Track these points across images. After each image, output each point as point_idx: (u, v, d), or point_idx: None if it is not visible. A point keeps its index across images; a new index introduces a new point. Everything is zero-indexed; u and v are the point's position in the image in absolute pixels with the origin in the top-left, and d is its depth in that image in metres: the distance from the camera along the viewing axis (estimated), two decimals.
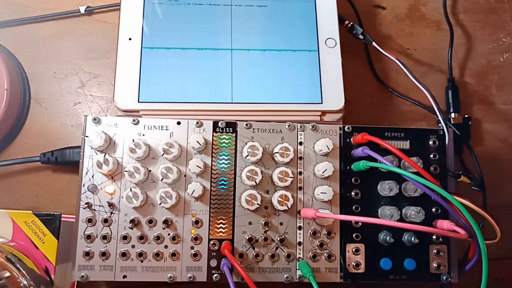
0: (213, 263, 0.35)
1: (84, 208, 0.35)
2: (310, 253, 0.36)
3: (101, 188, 0.35)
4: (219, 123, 0.37)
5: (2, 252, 0.35)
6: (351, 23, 0.44)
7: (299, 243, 0.36)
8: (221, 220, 0.36)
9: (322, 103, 0.40)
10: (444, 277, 0.37)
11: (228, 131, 0.37)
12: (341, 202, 0.37)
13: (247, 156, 0.36)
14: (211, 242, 0.36)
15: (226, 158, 0.37)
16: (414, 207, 0.37)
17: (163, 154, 0.35)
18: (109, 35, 0.44)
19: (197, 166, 0.35)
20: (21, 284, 0.35)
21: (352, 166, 0.37)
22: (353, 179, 0.37)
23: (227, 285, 0.32)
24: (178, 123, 0.37)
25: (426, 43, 0.48)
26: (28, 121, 0.42)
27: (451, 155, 0.39)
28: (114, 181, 0.35)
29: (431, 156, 0.38)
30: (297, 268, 0.36)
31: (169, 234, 0.35)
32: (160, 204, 0.35)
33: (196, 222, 0.36)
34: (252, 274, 0.36)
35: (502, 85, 0.48)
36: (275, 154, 0.36)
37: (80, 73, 0.44)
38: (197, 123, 0.37)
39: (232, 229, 0.36)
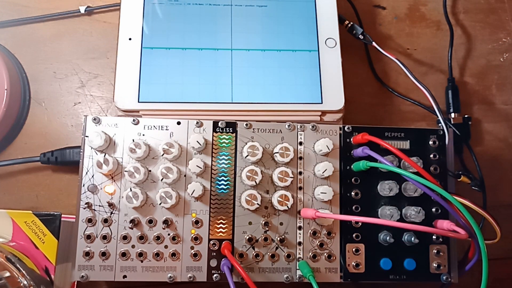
0: (213, 263, 0.35)
1: (84, 208, 0.35)
2: (310, 253, 0.36)
3: (101, 188, 0.35)
4: (219, 123, 0.37)
5: (2, 252, 0.35)
6: (351, 23, 0.44)
7: (299, 243, 0.36)
8: (221, 220, 0.36)
9: (322, 103, 0.40)
10: (444, 277, 0.37)
11: (228, 131, 0.37)
12: (341, 202, 0.37)
13: (247, 156, 0.36)
14: (211, 242, 0.36)
15: (226, 158, 0.37)
16: (414, 207, 0.37)
17: (163, 154, 0.35)
18: (109, 35, 0.44)
19: (197, 166, 0.35)
20: (21, 284, 0.35)
21: (352, 166, 0.37)
22: (353, 179, 0.37)
23: (227, 285, 0.32)
24: (178, 123, 0.37)
25: (426, 43, 0.48)
26: (28, 121, 0.42)
27: (451, 155, 0.39)
28: (114, 181, 0.35)
29: (431, 156, 0.38)
30: (297, 268, 0.36)
31: (169, 234, 0.35)
32: (160, 204, 0.35)
33: (196, 222, 0.36)
34: (252, 274, 0.36)
35: (502, 85, 0.48)
36: (275, 154, 0.36)
37: (80, 73, 0.44)
38: (197, 123, 0.37)
39: (232, 229, 0.36)
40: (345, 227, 0.37)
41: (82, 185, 0.35)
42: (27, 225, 0.38)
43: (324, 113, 0.40)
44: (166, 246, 0.35)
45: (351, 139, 0.38)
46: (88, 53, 0.44)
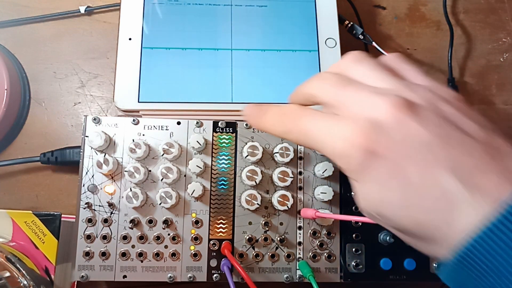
0: (213, 263, 0.35)
1: (84, 208, 0.35)
2: (310, 253, 0.36)
3: (101, 188, 0.35)
4: (219, 123, 0.37)
5: (2, 252, 0.35)
6: (351, 23, 0.44)
7: (299, 243, 0.36)
8: (221, 220, 0.36)
9: None
10: None
11: (228, 131, 0.37)
12: (341, 202, 0.37)
13: (247, 156, 0.36)
14: (211, 242, 0.36)
15: (226, 158, 0.37)
16: None
17: (163, 154, 0.35)
18: (109, 35, 0.44)
19: (197, 166, 0.35)
20: (21, 284, 0.35)
21: None
22: None
23: (227, 285, 0.32)
24: (178, 123, 0.37)
25: (426, 43, 0.48)
26: (28, 121, 0.42)
27: None
28: (114, 181, 0.35)
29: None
30: (297, 268, 0.36)
31: (169, 234, 0.35)
32: (160, 204, 0.35)
33: (196, 222, 0.36)
34: (252, 274, 0.36)
35: (502, 85, 0.48)
36: (275, 154, 0.36)
37: (80, 73, 0.44)
38: (197, 123, 0.37)
39: (232, 229, 0.36)
40: (345, 227, 0.37)
41: (82, 185, 0.35)
42: (27, 225, 0.38)
43: None
44: (166, 246, 0.35)
45: None
46: (88, 53, 0.44)
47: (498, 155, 0.20)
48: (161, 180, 0.35)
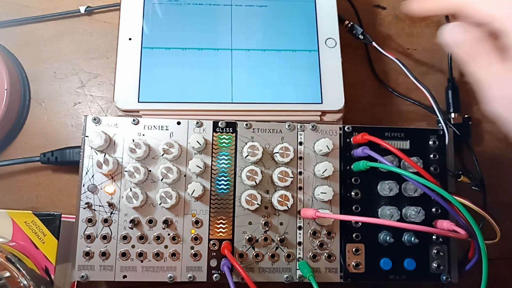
0: (213, 263, 0.35)
1: (84, 208, 0.35)
2: (310, 253, 0.36)
3: (101, 188, 0.35)
4: (219, 123, 0.37)
5: (2, 252, 0.35)
6: (351, 23, 0.44)
7: (299, 243, 0.36)
8: (221, 220, 0.36)
9: (322, 103, 0.40)
10: (444, 277, 0.37)
11: (228, 131, 0.37)
12: (341, 202, 0.37)
13: (247, 156, 0.36)
14: (211, 242, 0.36)
15: (226, 158, 0.37)
16: (414, 207, 0.37)
17: (163, 154, 0.35)
18: (109, 35, 0.44)
19: (197, 166, 0.35)
20: (21, 284, 0.35)
21: (352, 166, 0.37)
22: (353, 179, 0.37)
23: (227, 285, 0.32)
24: (178, 123, 0.37)
25: (426, 43, 0.48)
26: (28, 121, 0.42)
27: (451, 155, 0.39)
28: (114, 181, 0.35)
29: (431, 156, 0.38)
30: (297, 268, 0.36)
31: (169, 234, 0.35)
32: (160, 204, 0.35)
33: (196, 222, 0.36)
34: (252, 274, 0.36)
35: None
36: (275, 154, 0.36)
37: (80, 73, 0.44)
38: (197, 123, 0.37)
39: (232, 229, 0.36)
40: (345, 227, 0.37)
41: (82, 185, 0.35)
42: (27, 225, 0.38)
43: (324, 113, 0.40)
44: (166, 246, 0.35)
45: (351, 139, 0.38)
46: (88, 53, 0.44)
47: None
48: (161, 180, 0.35)
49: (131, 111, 0.39)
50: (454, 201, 0.32)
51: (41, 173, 0.41)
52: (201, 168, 0.35)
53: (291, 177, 0.36)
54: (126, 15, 0.41)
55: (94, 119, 0.36)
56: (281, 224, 0.36)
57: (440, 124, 0.40)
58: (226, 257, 0.35)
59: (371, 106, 0.46)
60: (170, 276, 0.35)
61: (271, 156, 0.37)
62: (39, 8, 0.44)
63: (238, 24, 0.42)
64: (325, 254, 0.36)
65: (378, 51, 0.43)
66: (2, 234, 0.38)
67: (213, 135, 0.37)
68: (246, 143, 0.36)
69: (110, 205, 0.35)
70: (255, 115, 0.39)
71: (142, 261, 0.35)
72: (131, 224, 0.35)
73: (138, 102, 0.39)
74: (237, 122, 0.37)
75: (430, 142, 0.38)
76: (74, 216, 0.35)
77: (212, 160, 0.36)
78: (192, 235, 0.35)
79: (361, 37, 0.44)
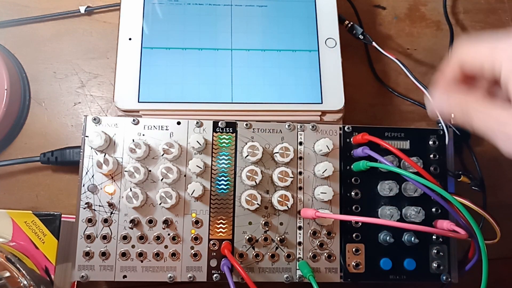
0: (213, 263, 0.35)
1: (84, 208, 0.35)
2: (310, 253, 0.36)
3: (101, 188, 0.35)
4: (219, 123, 0.37)
5: (2, 252, 0.35)
6: (351, 23, 0.44)
7: (299, 243, 0.36)
8: (221, 220, 0.36)
9: (322, 103, 0.40)
10: (444, 277, 0.37)
11: (228, 131, 0.37)
12: (341, 202, 0.37)
13: (247, 156, 0.36)
14: (211, 242, 0.36)
15: (226, 158, 0.37)
16: (414, 207, 0.37)
17: (163, 154, 0.35)
18: (109, 35, 0.44)
19: (197, 166, 0.35)
20: (21, 284, 0.35)
21: (352, 166, 0.37)
22: (353, 179, 0.37)
23: (227, 285, 0.32)
24: (178, 123, 0.37)
25: (426, 43, 0.48)
26: (28, 121, 0.42)
27: (451, 155, 0.39)
28: (114, 181, 0.35)
29: (431, 156, 0.38)
30: (297, 268, 0.36)
31: (169, 234, 0.35)
32: (160, 204, 0.35)
33: (196, 222, 0.36)
34: (252, 274, 0.36)
35: None
36: (275, 154, 0.36)
37: (80, 73, 0.44)
38: (197, 123, 0.37)
39: (232, 229, 0.36)
40: (345, 227, 0.37)
41: (82, 185, 0.35)
42: (27, 225, 0.38)
43: (324, 113, 0.40)
44: (166, 246, 0.35)
45: (351, 139, 0.38)
46: (88, 53, 0.44)
47: None
48: (161, 180, 0.35)
49: (131, 111, 0.39)
50: (454, 201, 0.32)
51: (41, 173, 0.41)
52: (201, 168, 0.35)
53: (291, 177, 0.36)
54: (126, 15, 0.41)
55: (94, 119, 0.36)
56: (281, 224, 0.36)
57: (440, 124, 0.40)
58: (226, 257, 0.35)
59: (371, 106, 0.46)
60: (170, 276, 0.35)
61: (271, 156, 0.37)
62: (39, 8, 0.44)
63: (238, 24, 0.42)
64: (325, 254, 0.36)
65: (378, 51, 0.43)
66: (2, 234, 0.38)
67: (213, 135, 0.37)
68: (246, 143, 0.36)
69: (110, 205, 0.35)
70: (255, 115, 0.39)
71: (142, 261, 0.35)
72: (131, 224, 0.35)
73: (138, 102, 0.39)
74: (237, 122, 0.37)
75: (430, 142, 0.38)
76: (74, 216, 0.35)
77: (212, 160, 0.36)
78: (192, 235, 0.35)
79: (361, 37, 0.44)
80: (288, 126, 0.37)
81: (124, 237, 0.35)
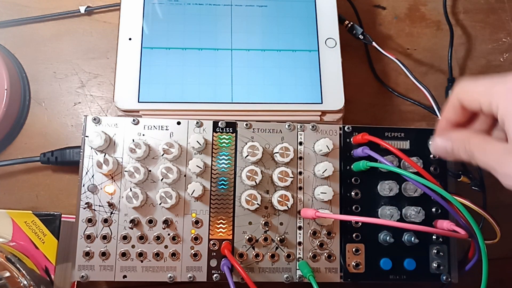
0: (213, 263, 0.35)
1: (84, 208, 0.35)
2: (310, 253, 0.36)
3: (101, 188, 0.35)
4: (219, 123, 0.37)
5: (2, 252, 0.35)
6: (351, 23, 0.44)
7: (299, 243, 0.36)
8: (221, 220, 0.36)
9: (322, 103, 0.40)
10: (444, 277, 0.37)
11: (228, 131, 0.37)
12: (341, 202, 0.37)
13: (247, 156, 0.36)
14: (211, 242, 0.36)
15: (226, 158, 0.37)
16: (414, 207, 0.37)
17: (163, 154, 0.35)
18: (109, 35, 0.44)
19: (197, 166, 0.35)
20: (21, 284, 0.35)
21: (352, 166, 0.37)
22: (353, 179, 0.37)
23: (227, 285, 0.32)
24: (178, 123, 0.37)
25: (426, 43, 0.48)
26: (28, 121, 0.42)
27: None
28: (114, 181, 0.35)
29: (431, 156, 0.38)
30: (297, 268, 0.36)
31: (169, 234, 0.35)
32: (160, 204, 0.35)
33: (196, 222, 0.36)
34: (252, 274, 0.36)
35: None
36: (275, 154, 0.36)
37: (80, 73, 0.44)
38: (197, 123, 0.37)
39: (232, 229, 0.36)
40: (345, 227, 0.37)
41: (82, 185, 0.35)
42: (27, 225, 0.38)
43: (324, 113, 0.40)
44: (166, 246, 0.35)
45: (351, 139, 0.38)
46: (88, 53, 0.44)
47: None
48: (161, 180, 0.35)
49: (131, 111, 0.39)
50: (454, 201, 0.32)
51: (41, 173, 0.41)
52: (201, 168, 0.35)
53: (291, 177, 0.36)
54: (126, 15, 0.41)
55: (94, 119, 0.36)
56: (281, 224, 0.36)
57: None
58: (226, 257, 0.35)
59: (371, 106, 0.46)
60: (170, 276, 0.35)
61: (271, 156, 0.37)
62: (39, 8, 0.44)
63: (238, 24, 0.42)
64: (325, 254, 0.36)
65: (378, 51, 0.43)
66: (2, 234, 0.38)
67: (213, 135, 0.37)
68: (246, 143, 0.36)
69: (110, 205, 0.35)
70: (255, 115, 0.39)
71: (142, 261, 0.35)
72: (131, 224, 0.35)
73: (138, 102, 0.39)
74: (237, 122, 0.37)
75: (430, 142, 0.38)
76: (74, 216, 0.35)
77: (212, 160, 0.36)
78: (192, 235, 0.35)
79: (361, 37, 0.44)
80: (288, 126, 0.37)
81: (124, 237, 0.35)
